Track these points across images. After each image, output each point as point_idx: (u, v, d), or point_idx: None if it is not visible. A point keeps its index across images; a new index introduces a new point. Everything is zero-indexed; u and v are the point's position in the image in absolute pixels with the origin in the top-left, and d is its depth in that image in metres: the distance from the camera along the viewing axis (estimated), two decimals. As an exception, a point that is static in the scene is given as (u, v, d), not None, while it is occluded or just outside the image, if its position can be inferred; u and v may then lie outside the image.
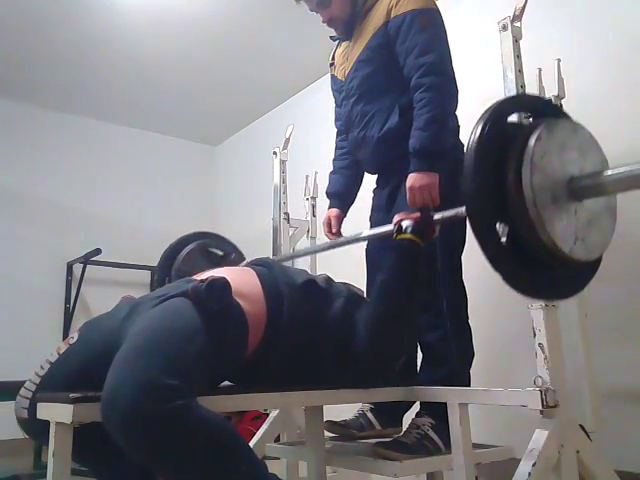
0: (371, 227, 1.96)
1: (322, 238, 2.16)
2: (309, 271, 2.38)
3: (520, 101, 1.26)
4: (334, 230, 1.99)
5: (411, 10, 1.69)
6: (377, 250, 1.87)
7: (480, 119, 1.14)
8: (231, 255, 2.13)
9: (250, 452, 1.07)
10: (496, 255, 1.10)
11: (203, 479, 1.00)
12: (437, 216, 1.43)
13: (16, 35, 3.14)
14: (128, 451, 0.97)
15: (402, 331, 1.41)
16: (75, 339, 1.25)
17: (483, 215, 1.10)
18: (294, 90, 3.83)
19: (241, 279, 1.35)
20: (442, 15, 1.74)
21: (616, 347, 1.91)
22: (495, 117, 1.14)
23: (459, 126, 1.82)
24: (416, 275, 1.41)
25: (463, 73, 1.82)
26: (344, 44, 1.96)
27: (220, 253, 2.13)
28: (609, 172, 1.07)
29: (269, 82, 3.72)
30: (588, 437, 1.40)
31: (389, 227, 1.54)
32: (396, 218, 1.47)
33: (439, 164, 1.59)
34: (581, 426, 1.39)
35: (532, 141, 1.09)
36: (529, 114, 1.21)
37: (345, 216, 2.02)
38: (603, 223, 1.14)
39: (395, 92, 1.74)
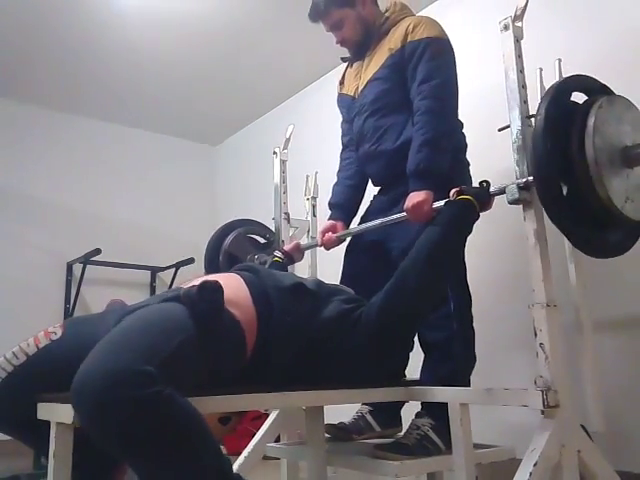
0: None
1: (322, 238, 2.15)
2: (309, 270, 2.37)
3: (579, 80, 1.43)
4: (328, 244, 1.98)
5: (426, 37, 1.79)
6: (358, 253, 1.91)
7: (545, 95, 1.33)
8: (271, 240, 2.35)
9: (218, 448, 1.05)
10: (558, 211, 1.28)
11: (169, 468, 0.98)
12: (492, 189, 1.49)
13: (16, 35, 3.14)
14: (97, 440, 0.95)
15: (438, 282, 1.42)
16: (58, 336, 1.20)
17: (550, 175, 1.27)
18: (294, 90, 3.82)
19: (227, 285, 1.29)
20: (452, 46, 1.82)
21: (617, 346, 1.91)
22: (559, 93, 1.33)
23: (466, 145, 1.85)
24: (463, 237, 1.47)
25: (464, 73, 1.83)
26: (355, 64, 2.03)
27: (262, 240, 2.39)
28: None
29: (269, 82, 3.71)
30: (589, 437, 1.40)
31: (401, 215, 1.67)
32: (454, 190, 1.52)
33: (432, 182, 1.65)
34: (582, 426, 1.39)
35: (595, 108, 1.28)
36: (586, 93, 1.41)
37: (348, 227, 2.00)
38: None
39: (409, 109, 1.79)
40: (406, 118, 1.80)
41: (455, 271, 1.55)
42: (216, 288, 1.20)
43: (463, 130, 1.87)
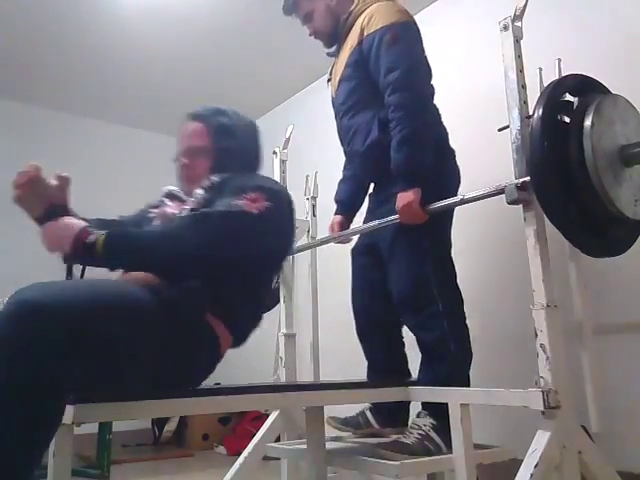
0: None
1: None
2: (309, 270, 2.36)
3: (574, 80, 1.47)
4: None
5: (380, 28, 1.73)
6: (359, 256, 1.92)
7: (541, 96, 1.34)
8: None
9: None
10: (569, 229, 1.32)
11: None
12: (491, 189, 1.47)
13: (16, 35, 3.14)
14: None
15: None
16: None
17: (546, 175, 1.28)
18: (294, 90, 3.82)
19: None
20: (416, 25, 1.78)
21: (617, 346, 1.91)
22: (554, 93, 1.36)
23: (447, 133, 1.83)
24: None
25: (464, 73, 1.83)
26: (335, 60, 2.00)
27: None
28: None
29: (269, 82, 3.71)
30: (590, 438, 1.39)
31: (391, 217, 1.67)
32: None
33: (417, 179, 1.64)
34: (583, 427, 1.39)
35: (587, 128, 1.29)
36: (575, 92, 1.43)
37: (351, 222, 2.05)
38: None
39: (375, 106, 1.76)
40: (372, 116, 1.76)
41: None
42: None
43: (443, 123, 1.84)
